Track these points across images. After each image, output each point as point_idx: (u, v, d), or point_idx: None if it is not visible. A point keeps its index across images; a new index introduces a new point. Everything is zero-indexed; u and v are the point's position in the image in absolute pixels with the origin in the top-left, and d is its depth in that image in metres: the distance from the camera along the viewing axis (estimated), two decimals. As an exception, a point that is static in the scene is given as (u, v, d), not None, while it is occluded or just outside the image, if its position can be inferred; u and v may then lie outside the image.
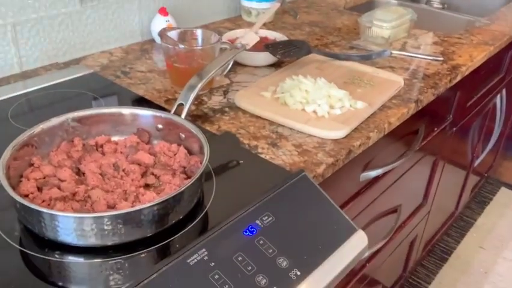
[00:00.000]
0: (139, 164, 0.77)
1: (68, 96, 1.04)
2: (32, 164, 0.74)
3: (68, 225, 0.62)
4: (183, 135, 0.80)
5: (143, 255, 0.65)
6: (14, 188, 0.66)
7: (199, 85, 0.87)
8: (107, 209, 0.68)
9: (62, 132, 0.80)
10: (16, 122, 0.92)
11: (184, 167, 0.77)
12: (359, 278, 1.35)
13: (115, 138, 0.83)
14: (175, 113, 0.85)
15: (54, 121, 0.78)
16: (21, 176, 0.72)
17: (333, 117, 0.99)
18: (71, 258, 0.64)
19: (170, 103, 1.04)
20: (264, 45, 1.20)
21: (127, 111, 0.84)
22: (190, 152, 0.79)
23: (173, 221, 0.68)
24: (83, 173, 0.75)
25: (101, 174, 0.74)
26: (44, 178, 0.73)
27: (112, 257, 0.64)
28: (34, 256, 0.64)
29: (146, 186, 0.74)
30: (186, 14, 1.45)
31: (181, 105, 0.85)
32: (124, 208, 0.66)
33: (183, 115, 0.84)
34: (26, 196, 0.68)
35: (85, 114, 0.82)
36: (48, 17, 1.14)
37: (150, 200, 0.68)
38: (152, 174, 0.76)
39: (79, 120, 0.81)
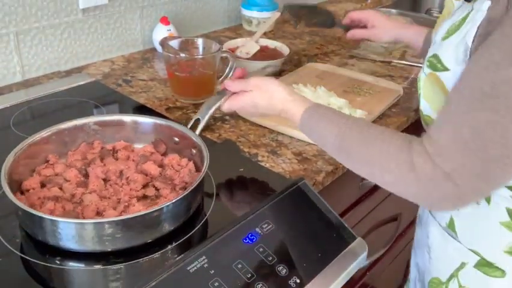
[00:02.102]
0: (146, 174, 0.76)
1: (70, 105, 1.05)
2: (48, 161, 0.77)
3: (52, 228, 0.63)
4: (194, 151, 0.80)
5: (143, 262, 0.65)
6: (21, 181, 0.69)
7: (218, 103, 0.86)
8: (95, 216, 0.68)
9: (84, 134, 0.82)
10: (18, 130, 0.93)
11: (186, 183, 0.76)
12: (359, 287, 1.35)
13: (136, 145, 0.83)
14: (191, 128, 0.84)
15: (77, 122, 0.81)
16: (34, 171, 0.74)
17: (333, 126, 0.99)
18: (71, 264, 0.65)
19: (171, 111, 1.05)
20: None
21: (147, 120, 0.84)
22: (198, 169, 0.79)
23: (157, 236, 0.67)
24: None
25: (104, 179, 0.75)
26: (56, 175, 0.74)
27: (112, 264, 0.65)
28: (35, 262, 0.65)
29: (145, 197, 0.74)
30: (187, 23, 1.46)
31: (197, 120, 0.86)
32: (109, 217, 0.67)
33: (197, 131, 0.84)
34: (27, 191, 0.70)
35: (107, 119, 0.83)
36: (50, 26, 1.15)
37: (136, 211, 0.68)
38: (153, 186, 0.76)
39: (101, 124, 0.83)
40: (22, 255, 0.66)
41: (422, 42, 1.05)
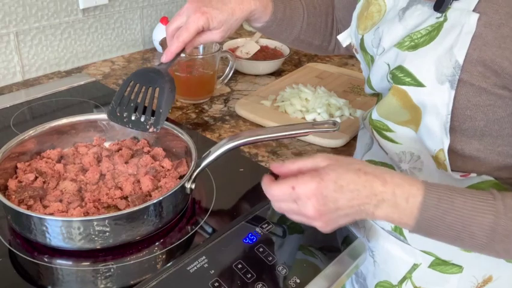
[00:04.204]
0: (140, 187, 0.73)
1: (70, 104, 1.05)
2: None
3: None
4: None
5: (143, 262, 0.65)
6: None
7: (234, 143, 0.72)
8: (55, 202, 0.69)
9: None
10: (18, 129, 0.93)
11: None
12: (359, 287, 1.35)
13: (167, 157, 0.81)
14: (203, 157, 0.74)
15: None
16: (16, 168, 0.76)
17: (333, 126, 0.99)
18: (59, 262, 0.65)
19: (171, 111, 1.05)
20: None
21: (186, 138, 0.78)
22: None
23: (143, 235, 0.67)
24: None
25: (103, 174, 0.75)
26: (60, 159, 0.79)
27: (110, 264, 0.65)
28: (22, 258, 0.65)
29: (112, 207, 0.72)
30: (187, 23, 1.46)
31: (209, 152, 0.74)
32: (71, 215, 0.66)
33: (205, 162, 0.73)
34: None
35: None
36: (50, 26, 1.15)
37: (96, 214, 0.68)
38: (127, 199, 0.73)
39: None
40: (13, 255, 0.66)
41: (268, 15, 0.83)
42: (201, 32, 0.75)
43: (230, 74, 1.12)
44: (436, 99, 0.61)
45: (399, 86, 0.64)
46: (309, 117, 1.01)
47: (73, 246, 0.64)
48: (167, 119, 0.93)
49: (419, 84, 0.62)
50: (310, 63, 1.31)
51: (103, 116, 0.84)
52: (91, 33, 1.24)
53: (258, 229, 0.71)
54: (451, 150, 0.64)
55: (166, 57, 0.75)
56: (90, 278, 0.63)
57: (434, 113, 0.62)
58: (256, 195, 0.78)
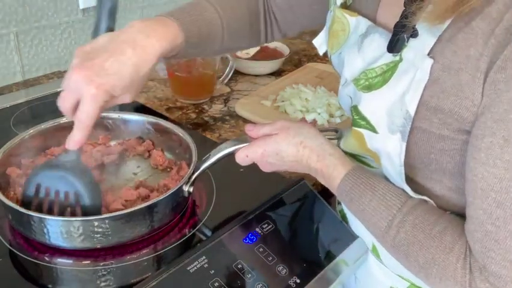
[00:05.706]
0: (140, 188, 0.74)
1: (70, 105, 1.05)
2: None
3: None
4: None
5: (143, 262, 0.65)
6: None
7: (232, 148, 0.70)
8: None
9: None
10: (18, 130, 0.93)
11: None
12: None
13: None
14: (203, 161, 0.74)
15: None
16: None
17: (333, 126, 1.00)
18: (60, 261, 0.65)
19: (171, 111, 1.05)
20: None
21: (188, 140, 0.78)
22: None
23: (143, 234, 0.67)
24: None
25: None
26: None
27: (110, 264, 0.65)
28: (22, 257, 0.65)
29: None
30: (187, 23, 1.46)
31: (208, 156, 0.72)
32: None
33: (202, 167, 0.72)
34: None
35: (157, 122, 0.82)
36: (50, 26, 1.15)
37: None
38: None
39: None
40: (14, 255, 0.66)
41: (180, 46, 0.67)
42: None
43: (230, 74, 1.12)
44: (389, 148, 0.58)
45: (356, 128, 0.62)
46: (309, 117, 1.01)
47: (73, 245, 0.64)
48: (168, 119, 0.93)
49: (373, 130, 0.59)
50: (310, 63, 1.31)
51: (109, 114, 0.84)
52: (91, 33, 1.24)
53: (258, 229, 0.71)
54: (421, 189, 0.61)
55: (72, 145, 0.60)
56: (90, 278, 0.64)
57: (388, 161, 0.59)
58: (257, 196, 0.78)
